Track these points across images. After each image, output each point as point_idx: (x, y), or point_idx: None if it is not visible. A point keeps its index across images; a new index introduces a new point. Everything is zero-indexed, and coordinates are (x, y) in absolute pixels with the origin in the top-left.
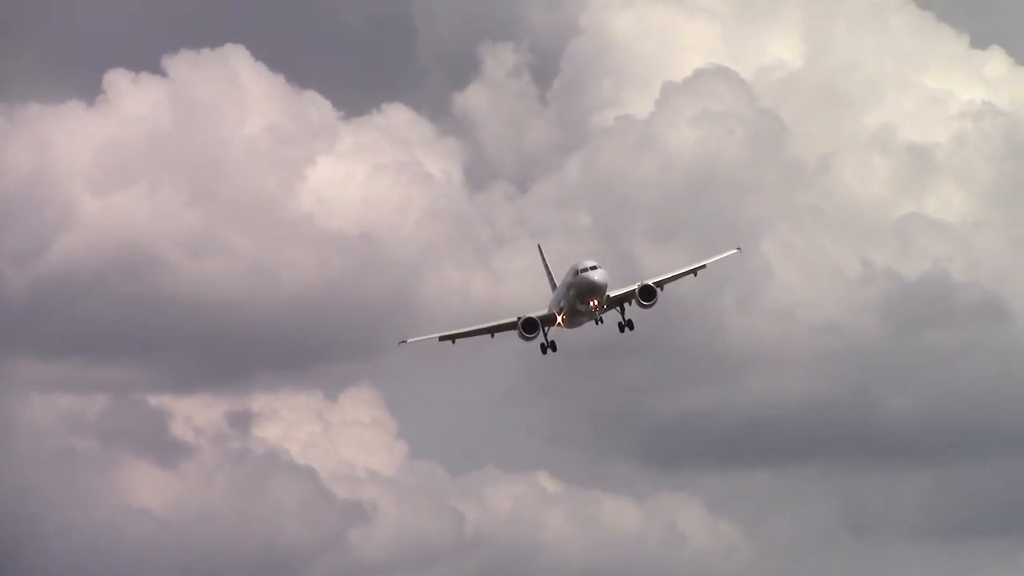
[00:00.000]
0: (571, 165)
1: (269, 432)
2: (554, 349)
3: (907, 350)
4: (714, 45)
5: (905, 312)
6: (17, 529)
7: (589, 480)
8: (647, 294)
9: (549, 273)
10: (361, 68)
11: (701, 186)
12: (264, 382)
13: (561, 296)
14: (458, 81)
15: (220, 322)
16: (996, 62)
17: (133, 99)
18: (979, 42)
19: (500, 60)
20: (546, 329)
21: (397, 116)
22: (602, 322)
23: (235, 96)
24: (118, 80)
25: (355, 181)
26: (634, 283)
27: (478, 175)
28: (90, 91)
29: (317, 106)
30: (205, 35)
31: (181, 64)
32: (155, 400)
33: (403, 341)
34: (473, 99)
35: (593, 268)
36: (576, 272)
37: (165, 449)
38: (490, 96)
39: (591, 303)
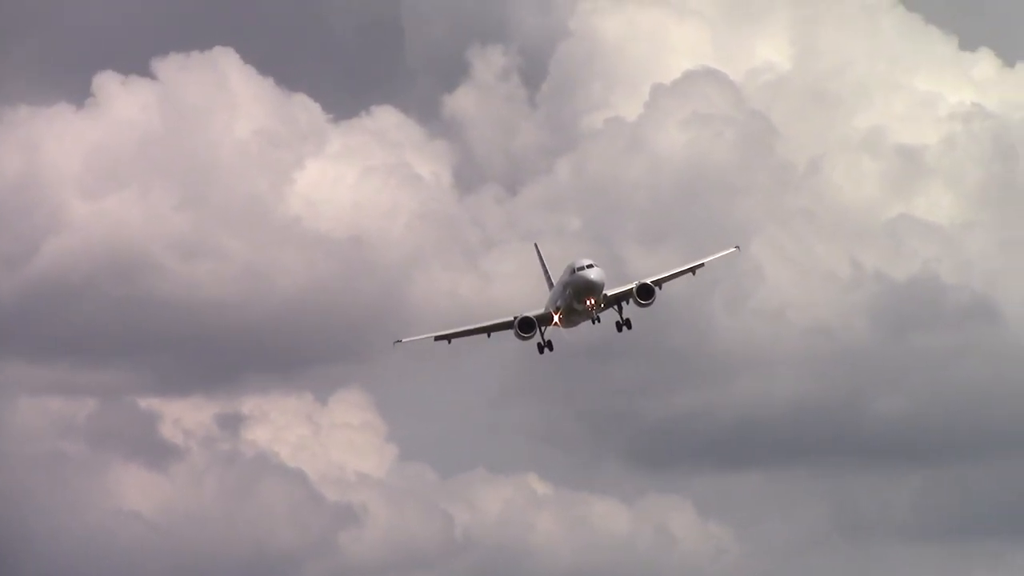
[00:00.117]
0: (561, 167)
1: (259, 435)
2: (551, 348)
3: (897, 352)
4: (703, 47)
5: (895, 314)
6: (7, 532)
7: (579, 482)
8: (645, 293)
9: (546, 272)
10: (350, 71)
11: (691, 188)
12: (254, 385)
13: (558, 295)
14: (447, 84)
15: (210, 325)
16: (985, 64)
17: (122, 102)
18: (968, 44)
19: (489, 63)
20: (543, 329)
21: (386, 119)
22: (599, 321)
23: (224, 99)
24: (107, 83)
25: (344, 184)
26: (631, 282)
27: (468, 178)
28: (79, 94)
29: (306, 109)
30: (194, 38)
31: (170, 67)
32: (145, 403)
33: (398, 341)
34: (462, 102)
35: (590, 266)
36: (573, 271)
37: (155, 452)
38: (479, 99)
39: (588, 302)
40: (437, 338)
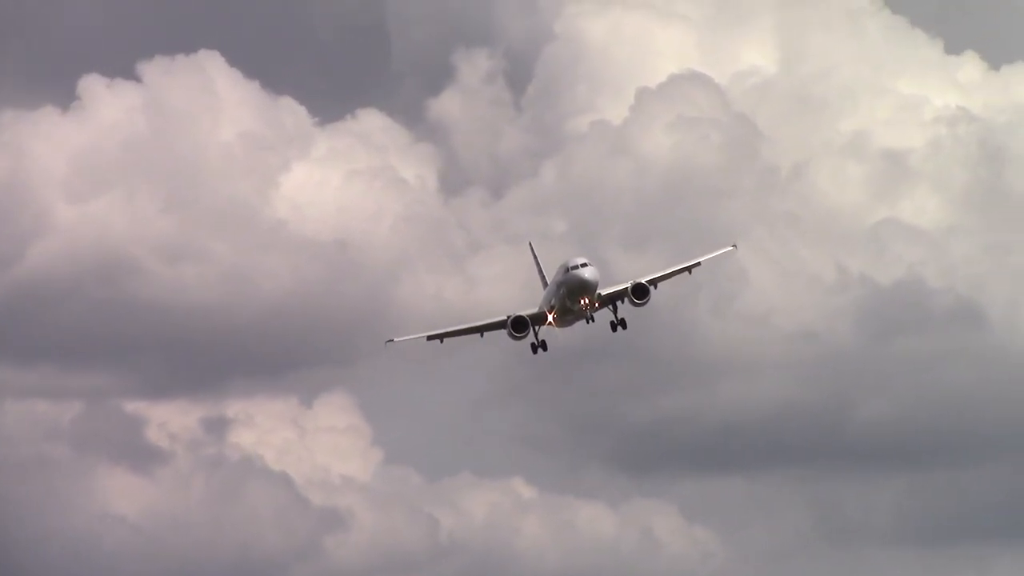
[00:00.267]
0: (546, 171)
1: (244, 438)
2: (545, 348)
3: (882, 356)
4: (689, 51)
5: (880, 318)
6: None
7: (564, 486)
8: (640, 292)
9: (541, 271)
10: (336, 74)
11: (676, 192)
12: (239, 388)
13: (552, 294)
14: (432, 87)
15: (195, 328)
16: (970, 67)
17: (108, 105)
18: (953, 47)
19: (474, 66)
20: (537, 328)
21: (372, 122)
22: (593, 320)
23: (210, 102)
24: (93, 86)
25: (330, 187)
26: (626, 281)
27: (453, 181)
28: (65, 97)
29: (292, 112)
30: (180, 41)
31: (156, 70)
32: (130, 406)
33: (390, 340)
34: (448, 105)
35: (584, 265)
36: (566, 269)
37: (140, 455)
38: (464, 102)
39: (582, 301)
40: (429, 338)
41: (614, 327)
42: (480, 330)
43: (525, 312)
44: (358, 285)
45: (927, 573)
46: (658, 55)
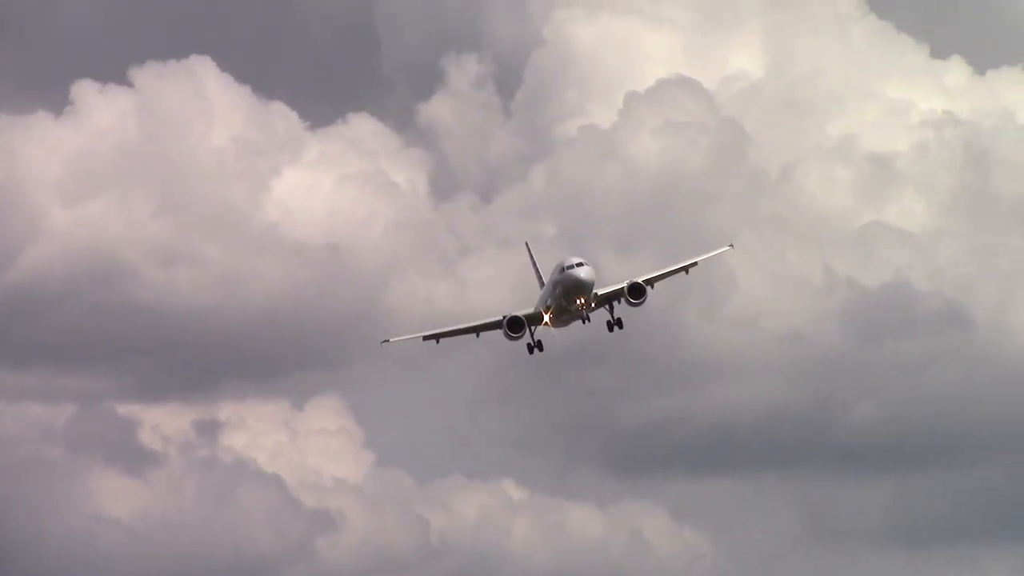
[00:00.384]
0: (535, 175)
1: (236, 441)
2: (540, 349)
3: (870, 358)
4: (677, 55)
5: (867, 320)
6: None
7: (555, 488)
8: (636, 292)
9: (537, 271)
10: (327, 79)
11: (665, 195)
12: (231, 391)
13: (548, 294)
14: (422, 92)
15: (188, 331)
16: (956, 72)
17: (101, 110)
18: (939, 52)
19: (464, 71)
20: (532, 328)
21: (362, 127)
22: (589, 320)
23: (202, 107)
24: (86, 91)
25: (321, 191)
26: (623, 281)
27: (443, 185)
28: (58, 102)
29: (283, 117)
30: (171, 46)
31: (148, 75)
32: (123, 409)
33: (386, 340)
34: (438, 110)
35: (579, 265)
36: (562, 269)
37: (133, 458)
38: (454, 107)
39: (578, 301)
40: (426, 338)
41: (610, 327)
42: (476, 330)
43: (521, 312)
44: (349, 289)
45: (915, 573)
46: (646, 60)
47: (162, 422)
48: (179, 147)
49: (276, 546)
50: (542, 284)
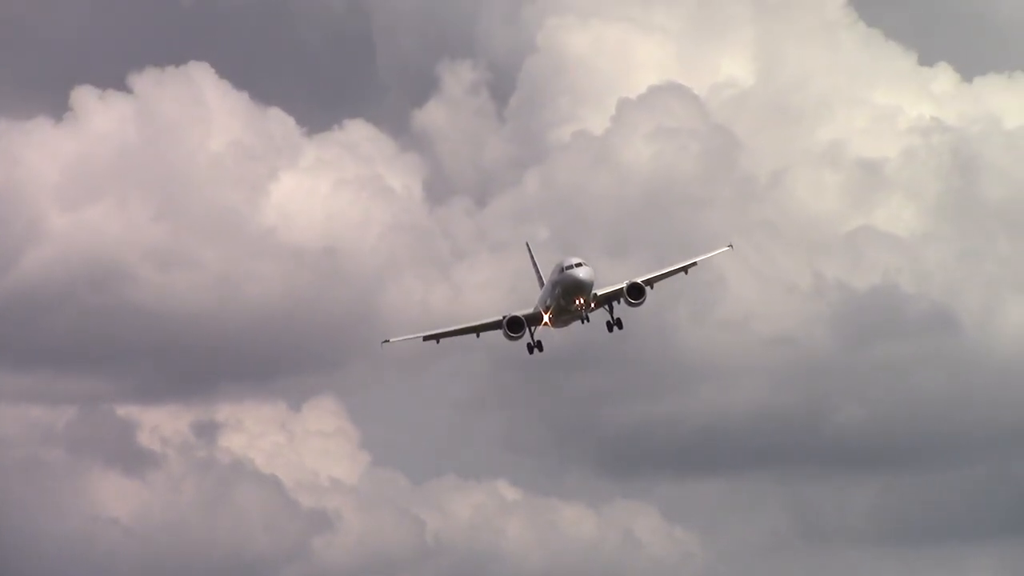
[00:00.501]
0: (529, 180)
1: (234, 442)
2: (540, 349)
3: (858, 361)
4: (668, 62)
5: (856, 323)
6: None
7: (547, 488)
8: (635, 292)
9: (537, 271)
10: (323, 85)
11: (656, 200)
12: (229, 393)
13: (547, 294)
14: (418, 98)
15: (186, 334)
16: (943, 78)
17: (100, 115)
18: (927, 59)
19: (458, 77)
20: (532, 328)
21: (358, 132)
22: (588, 320)
23: (200, 113)
24: (85, 97)
25: (318, 196)
26: (623, 281)
27: (438, 190)
28: (58, 107)
29: (280, 122)
30: (170, 53)
31: (147, 81)
32: (123, 411)
33: (386, 341)
34: (432, 115)
35: (579, 265)
36: (561, 269)
37: (132, 459)
38: (449, 113)
39: (577, 301)
40: (426, 338)
41: (610, 327)
42: (476, 330)
43: (521, 312)
44: (346, 292)
45: (901, 572)
46: (638, 67)
47: (161, 424)
48: (177, 152)
49: (273, 546)
50: (542, 284)
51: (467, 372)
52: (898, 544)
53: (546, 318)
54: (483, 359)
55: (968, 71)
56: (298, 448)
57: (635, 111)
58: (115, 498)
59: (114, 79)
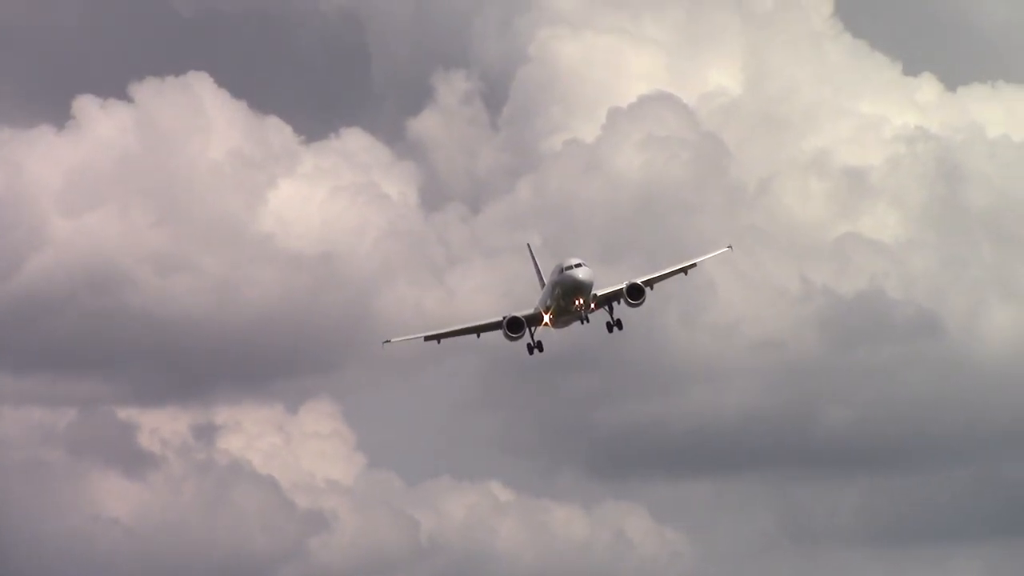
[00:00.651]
0: (522, 187)
1: (232, 444)
2: (540, 349)
3: (844, 364)
4: (658, 72)
5: (842, 328)
6: None
7: (540, 489)
8: (635, 293)
9: (538, 272)
10: (320, 95)
11: (647, 207)
12: (227, 396)
13: (547, 295)
14: (412, 107)
15: (185, 338)
16: (927, 88)
17: (101, 124)
18: (911, 69)
19: (452, 87)
20: (532, 329)
21: (355, 140)
22: (588, 321)
23: (199, 121)
24: (87, 106)
25: (315, 202)
26: (623, 282)
27: (433, 197)
28: (60, 116)
29: (278, 131)
30: (170, 63)
31: (147, 91)
32: (123, 413)
33: (387, 341)
34: (427, 124)
35: (578, 266)
36: (561, 270)
37: (132, 460)
38: (443, 121)
39: (576, 301)
40: (427, 338)
41: (610, 328)
42: (477, 330)
43: (521, 313)
44: (342, 296)
45: (887, 571)
46: (629, 77)
47: (160, 426)
48: (177, 160)
49: (271, 546)
50: (543, 285)
51: (460, 376)
52: (885, 544)
53: (546, 318)
54: (476, 363)
55: (952, 81)
56: (295, 450)
57: (626, 120)
58: (115, 498)
59: (115, 88)
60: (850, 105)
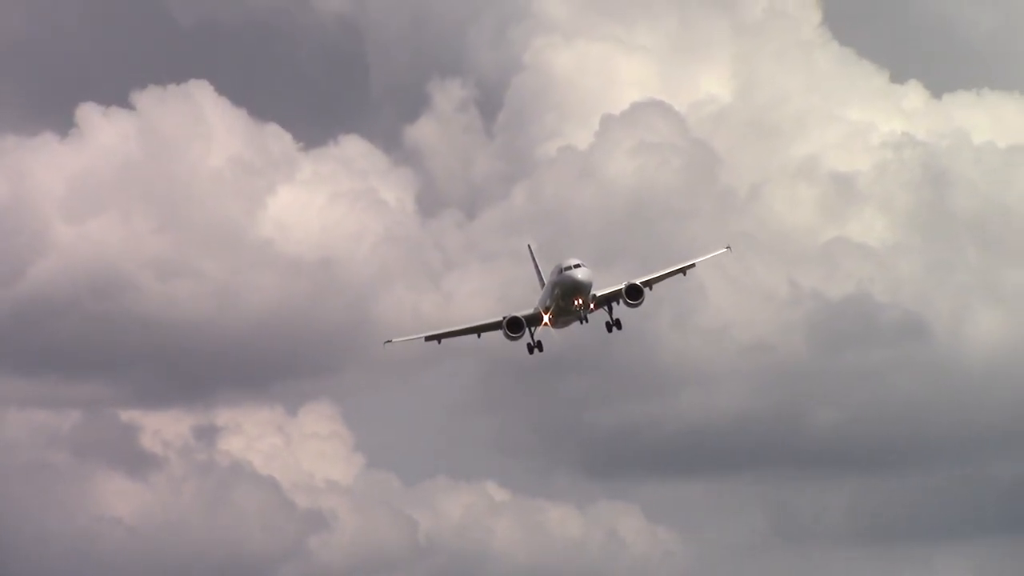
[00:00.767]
0: (516, 193)
1: (233, 445)
2: (540, 349)
3: (833, 366)
4: (650, 80)
5: (831, 331)
6: None
7: (535, 489)
8: (634, 293)
9: (539, 272)
10: (319, 103)
11: (639, 213)
12: (228, 398)
13: (547, 295)
14: (409, 115)
15: (187, 341)
16: (914, 96)
17: (104, 132)
18: (898, 77)
19: (448, 95)
20: (532, 329)
21: (353, 147)
22: (587, 321)
23: (200, 129)
24: (90, 114)
25: (314, 208)
26: (622, 282)
27: (430, 203)
28: (63, 124)
29: (278, 138)
30: (171, 71)
31: (149, 99)
32: (126, 415)
33: (388, 341)
34: (424, 131)
35: (577, 266)
36: (560, 271)
37: (135, 461)
38: (439, 129)
39: (576, 302)
40: (428, 338)
41: (609, 328)
42: (477, 331)
43: (521, 313)
44: (341, 301)
45: (875, 569)
46: (621, 84)
47: (163, 427)
48: (178, 167)
49: (271, 545)
50: (543, 285)
51: (457, 378)
52: (873, 543)
53: (546, 319)
54: (471, 366)
55: (938, 88)
56: (295, 451)
57: (618, 127)
58: (119, 499)
59: (117, 97)
60: (838, 112)
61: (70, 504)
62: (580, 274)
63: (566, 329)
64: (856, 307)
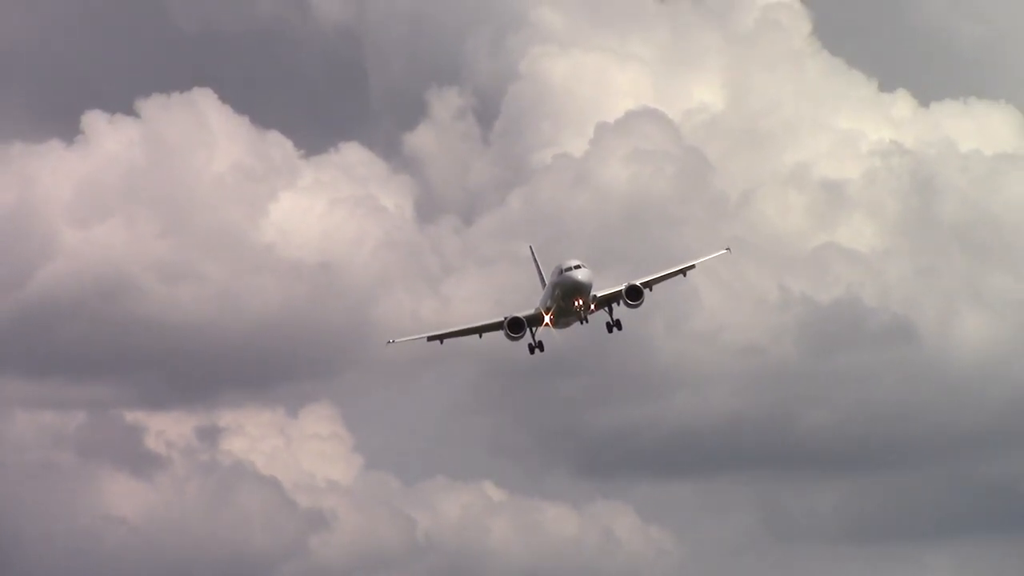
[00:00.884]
0: (513, 200)
1: (235, 446)
2: (541, 349)
3: (822, 369)
4: (644, 89)
5: (820, 334)
6: (1, 537)
7: (531, 489)
8: (634, 294)
9: (540, 273)
10: (319, 110)
11: (633, 219)
12: (230, 400)
13: (548, 296)
14: (408, 123)
15: (190, 344)
16: (902, 104)
17: (109, 139)
18: (887, 86)
19: (446, 103)
20: (534, 329)
21: (353, 155)
22: (587, 322)
23: (203, 136)
24: (95, 121)
25: (314, 214)
26: (622, 283)
27: (428, 209)
28: (69, 131)
29: (279, 145)
30: (175, 80)
31: (153, 106)
32: (130, 416)
33: (391, 341)
34: (422, 139)
35: (577, 267)
36: (560, 271)
37: (139, 462)
38: (437, 136)
39: (576, 302)
40: (430, 338)
41: (610, 328)
42: (479, 331)
43: (522, 313)
44: (340, 304)
45: (866, 568)
46: (616, 93)
47: (166, 428)
48: (182, 173)
49: (272, 544)
50: (544, 286)
51: (454, 381)
52: (864, 542)
53: (547, 319)
54: (468, 369)
55: (925, 97)
56: (296, 451)
57: (613, 135)
58: (123, 499)
59: (122, 104)
60: (828, 120)
61: (75, 503)
62: (580, 275)
63: (566, 329)
64: (845, 311)
